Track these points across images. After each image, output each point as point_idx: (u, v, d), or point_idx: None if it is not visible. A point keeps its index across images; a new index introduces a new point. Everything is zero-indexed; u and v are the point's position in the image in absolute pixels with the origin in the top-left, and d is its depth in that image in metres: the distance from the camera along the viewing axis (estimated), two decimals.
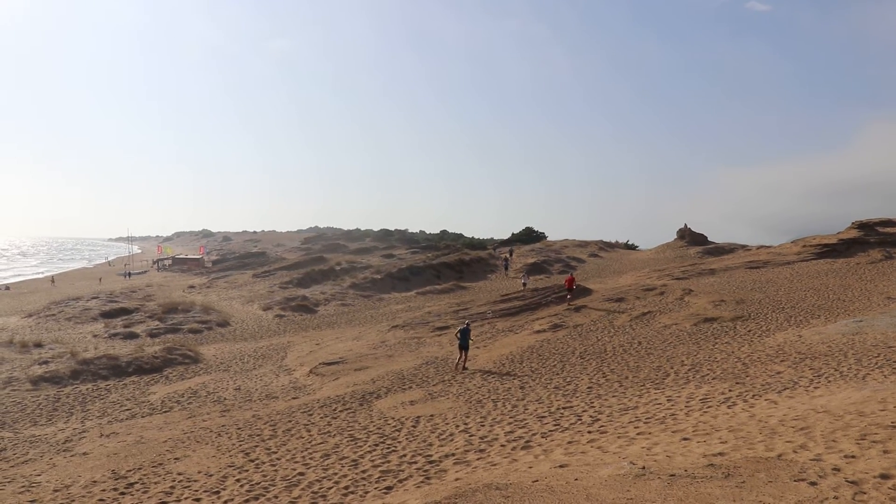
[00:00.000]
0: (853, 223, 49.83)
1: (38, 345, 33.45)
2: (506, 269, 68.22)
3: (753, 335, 23.66)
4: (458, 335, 24.06)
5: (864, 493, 7.55)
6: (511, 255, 75.05)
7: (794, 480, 8.19)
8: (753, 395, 15.00)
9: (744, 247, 66.74)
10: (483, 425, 15.52)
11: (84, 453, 16.92)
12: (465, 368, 23.53)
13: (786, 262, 44.64)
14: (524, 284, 50.37)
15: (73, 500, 13.08)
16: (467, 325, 25.12)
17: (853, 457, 8.82)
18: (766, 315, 27.22)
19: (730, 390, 15.89)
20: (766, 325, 25.33)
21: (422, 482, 11.73)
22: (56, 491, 13.86)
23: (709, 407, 14.39)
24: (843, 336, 21.07)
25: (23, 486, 14.45)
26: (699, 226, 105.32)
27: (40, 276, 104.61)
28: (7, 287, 79.35)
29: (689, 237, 72.94)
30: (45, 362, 28.51)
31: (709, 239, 73.03)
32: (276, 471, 13.77)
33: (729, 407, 14.10)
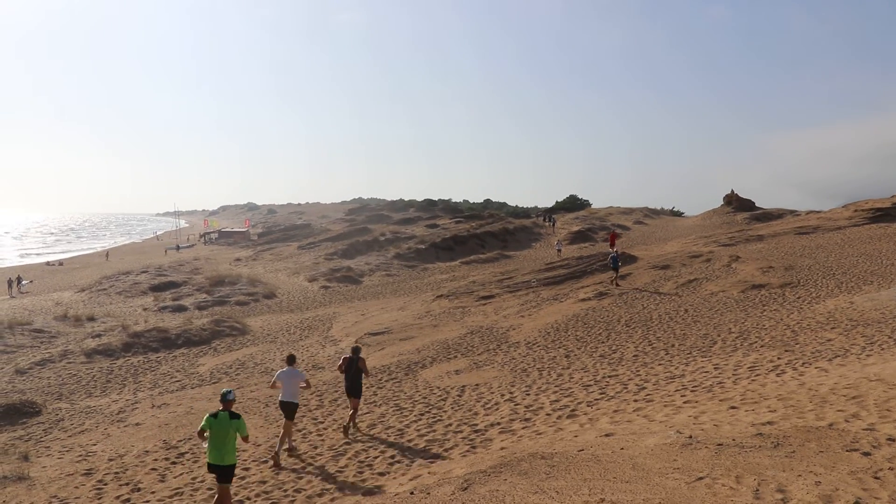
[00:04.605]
0: None
1: (91, 318, 34.30)
2: (553, 224, 70.83)
3: (803, 302, 23.23)
4: (611, 261, 32.00)
5: None
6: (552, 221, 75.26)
7: (847, 450, 8.05)
8: (803, 363, 14.76)
9: (792, 212, 65.46)
10: (528, 394, 15.53)
11: (137, 424, 17.34)
12: (617, 285, 30.60)
13: (836, 227, 43.65)
14: (559, 251, 51.74)
15: (127, 469, 13.44)
16: (616, 252, 33.73)
17: None
18: (815, 281, 26.68)
19: (779, 358, 15.66)
20: (816, 291, 24.84)
21: (467, 451, 11.80)
22: (111, 460, 14.25)
23: (757, 375, 14.21)
24: None
25: (80, 455, 14.89)
26: (746, 191, 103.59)
27: (91, 251, 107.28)
28: (60, 262, 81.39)
29: (735, 203, 71.69)
30: (98, 335, 29.21)
31: (756, 205, 71.70)
32: (322, 440, 13.96)
33: (778, 375, 13.90)
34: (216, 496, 9.99)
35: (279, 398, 13.37)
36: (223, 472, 9.83)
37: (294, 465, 12.51)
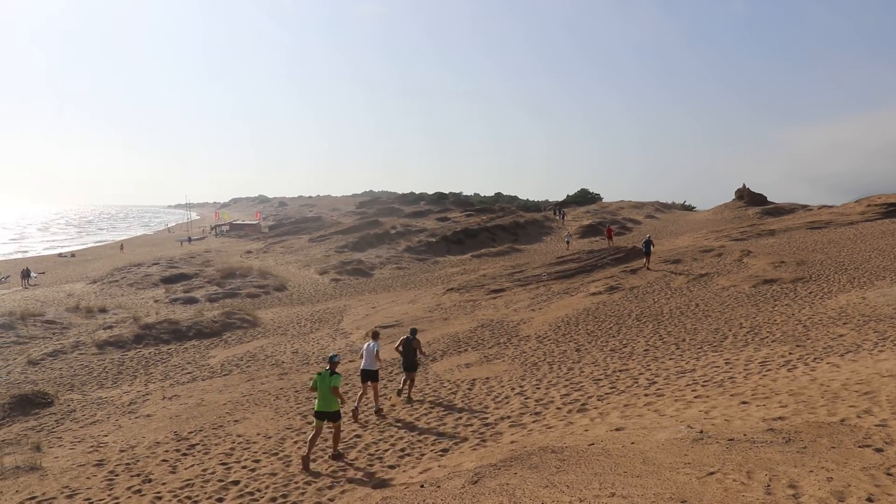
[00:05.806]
0: None
1: (103, 310, 34.51)
2: (562, 217, 71.37)
3: (815, 297, 23.12)
4: (643, 246, 33.06)
5: None
6: (562, 214, 75.61)
7: (859, 446, 8.01)
8: (815, 359, 14.70)
9: (805, 207, 65.11)
10: (539, 388, 15.53)
11: (148, 415, 17.43)
12: (648, 269, 31.87)
13: (849, 222, 43.37)
14: (567, 244, 52.56)
15: (138, 460, 13.50)
16: (648, 238, 34.02)
17: None
18: (828, 276, 26.53)
19: (790, 353, 15.60)
20: (828, 286, 24.71)
21: (477, 445, 11.81)
22: (122, 451, 14.32)
23: (768, 370, 14.16)
24: None
25: (91, 446, 14.97)
26: (758, 186, 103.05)
27: (102, 243, 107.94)
28: (73, 254, 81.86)
29: (747, 197, 71.34)
30: (110, 327, 29.37)
31: (768, 199, 71.35)
32: (332, 432, 13.98)
33: (789, 370, 13.84)
34: (332, 432, 12.47)
35: (360, 366, 15.52)
36: (332, 416, 12.12)
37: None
